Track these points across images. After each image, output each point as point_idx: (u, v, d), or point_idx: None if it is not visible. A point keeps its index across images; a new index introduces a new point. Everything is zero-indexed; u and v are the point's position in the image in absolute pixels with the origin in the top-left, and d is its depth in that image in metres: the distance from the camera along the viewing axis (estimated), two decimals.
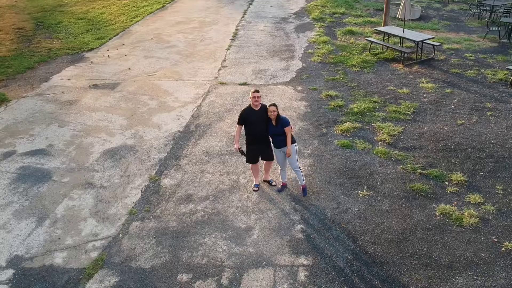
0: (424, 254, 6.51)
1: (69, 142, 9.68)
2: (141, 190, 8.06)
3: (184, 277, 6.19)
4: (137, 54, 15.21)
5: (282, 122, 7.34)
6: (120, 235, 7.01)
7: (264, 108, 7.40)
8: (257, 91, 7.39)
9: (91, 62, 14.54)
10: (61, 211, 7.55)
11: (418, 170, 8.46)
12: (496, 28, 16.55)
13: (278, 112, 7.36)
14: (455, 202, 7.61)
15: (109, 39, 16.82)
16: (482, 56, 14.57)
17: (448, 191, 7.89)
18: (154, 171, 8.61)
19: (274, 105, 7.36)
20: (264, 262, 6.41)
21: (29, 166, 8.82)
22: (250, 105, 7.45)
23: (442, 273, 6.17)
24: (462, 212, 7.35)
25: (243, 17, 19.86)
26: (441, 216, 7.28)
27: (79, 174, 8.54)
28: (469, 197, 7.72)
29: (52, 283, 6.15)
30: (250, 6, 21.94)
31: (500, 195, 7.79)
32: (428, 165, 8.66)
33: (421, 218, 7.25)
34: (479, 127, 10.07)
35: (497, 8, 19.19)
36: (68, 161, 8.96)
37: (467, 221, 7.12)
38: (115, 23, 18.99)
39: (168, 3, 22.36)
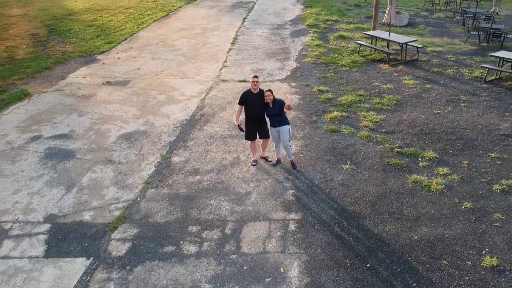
0: (396, 211, 7.72)
1: (88, 128, 10.92)
2: (155, 165, 9.28)
3: (194, 228, 7.38)
4: (145, 56, 16.52)
5: (278, 102, 8.59)
6: (138, 199, 8.21)
7: (262, 92, 8.66)
8: (256, 76, 8.66)
9: (103, 63, 15.84)
10: (86, 181, 8.76)
11: (395, 149, 9.71)
12: (476, 33, 17.92)
13: (273, 96, 8.62)
14: (425, 173, 8.84)
15: (118, 43, 18.15)
16: (462, 57, 15.89)
17: (420, 165, 9.12)
18: (165, 151, 9.83)
19: (270, 90, 8.63)
20: (261, 217, 7.61)
21: (55, 147, 10.04)
22: (250, 88, 8.71)
23: (409, 225, 7.38)
24: (431, 180, 8.57)
25: (242, 24, 21.23)
26: (413, 183, 8.51)
27: (100, 153, 9.76)
28: (438, 169, 8.95)
29: (83, 234, 7.34)
30: (249, 14, 23.34)
31: (465, 168, 9.02)
32: (404, 145, 9.91)
33: (395, 185, 8.47)
34: (452, 116, 11.33)
35: (479, 15, 20.60)
36: (89, 143, 10.18)
37: (435, 187, 8.34)
38: (123, 29, 20.35)
39: (171, 12, 23.77)
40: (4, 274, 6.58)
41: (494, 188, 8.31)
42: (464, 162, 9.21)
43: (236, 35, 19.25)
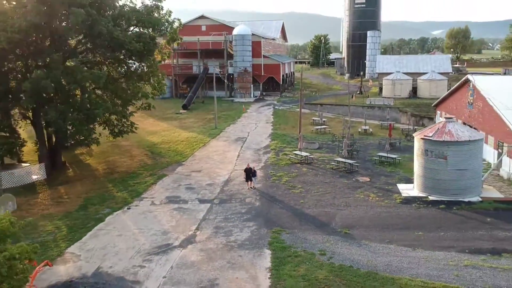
0: (284, 187, 30.69)
1: (195, 182, 34.01)
2: (220, 188, 32.24)
3: (238, 195, 30.26)
4: (202, 162, 40.06)
5: (255, 171, 32.05)
6: (217, 195, 31.10)
7: (251, 167, 32.09)
8: (248, 164, 32.25)
9: (186, 165, 39.30)
10: (201, 191, 31.67)
11: (289, 184, 32.83)
12: (342, 151, 41.99)
13: (253, 168, 32.06)
14: (296, 189, 31.89)
15: (188, 158, 41.80)
16: (331, 161, 39.58)
17: (296, 188, 32.19)
18: (221, 187, 32.84)
19: (252, 167, 32.13)
20: (248, 194, 30.51)
21: (187, 186, 33.04)
22: (246, 167, 32.18)
23: (285, 188, 30.34)
24: (295, 191, 31.59)
25: (241, 148, 45.22)
26: (291, 190, 31.52)
27: (202, 188, 32.76)
28: (300, 188, 32.01)
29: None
30: (244, 144, 47.53)
31: (308, 189, 32.11)
32: (294, 185, 33.05)
33: (285, 187, 31.47)
34: (314, 178, 34.63)
35: (352, 141, 44.87)
36: (197, 185, 33.20)
37: (296, 192, 31.38)
38: (186, 151, 44.20)
39: (206, 143, 47.94)
40: (186, 204, 29.35)
41: (313, 191, 31.36)
42: (309, 188, 32.32)
43: (239, 153, 43.14)
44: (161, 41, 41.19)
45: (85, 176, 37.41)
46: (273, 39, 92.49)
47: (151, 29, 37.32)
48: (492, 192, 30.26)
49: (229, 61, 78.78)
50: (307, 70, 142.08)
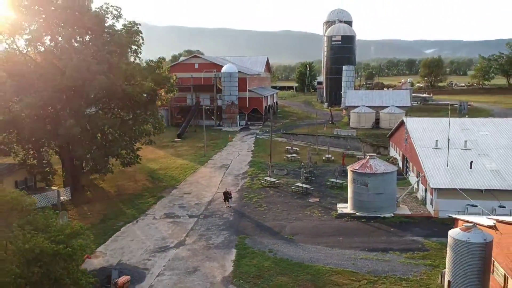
0: (255, 205, 41.58)
1: (187, 201, 44.81)
2: (205, 207, 43.04)
3: (219, 212, 41.12)
4: (192, 186, 50.88)
5: (231, 193, 42.96)
6: (207, 208, 41.89)
7: (228, 191, 42.99)
8: (226, 189, 43.22)
9: (179, 188, 50.11)
10: (192, 204, 42.47)
11: (257, 202, 43.68)
12: (302, 176, 52.97)
13: (230, 192, 42.97)
14: (262, 206, 42.76)
15: (181, 182, 52.62)
16: (293, 185, 50.50)
17: (261, 206, 43.06)
18: (206, 205, 43.65)
19: (229, 191, 43.05)
20: (225, 210, 41.33)
21: (180, 205, 43.84)
22: (225, 190, 43.08)
23: (258, 201, 41.20)
24: (261, 208, 42.46)
25: (224, 174, 56.11)
26: (259, 206, 42.40)
27: (192, 206, 43.54)
28: (264, 206, 42.90)
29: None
30: (226, 170, 58.38)
31: (272, 207, 43.05)
32: (261, 204, 43.94)
33: (255, 205, 42.34)
34: (276, 198, 45.54)
35: (312, 170, 55.86)
36: (188, 204, 43.99)
37: (262, 210, 42.26)
38: (180, 177, 55.02)
39: (196, 169, 58.77)
40: (179, 219, 40.16)
41: (274, 209, 42.24)
42: (271, 206, 43.20)
43: (221, 178, 54.03)
44: (160, 91, 52.27)
45: (101, 197, 48.09)
46: (258, 74, 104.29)
47: (153, 83, 48.46)
48: (404, 210, 41.33)
49: (218, 94, 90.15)
50: (292, 97, 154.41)
